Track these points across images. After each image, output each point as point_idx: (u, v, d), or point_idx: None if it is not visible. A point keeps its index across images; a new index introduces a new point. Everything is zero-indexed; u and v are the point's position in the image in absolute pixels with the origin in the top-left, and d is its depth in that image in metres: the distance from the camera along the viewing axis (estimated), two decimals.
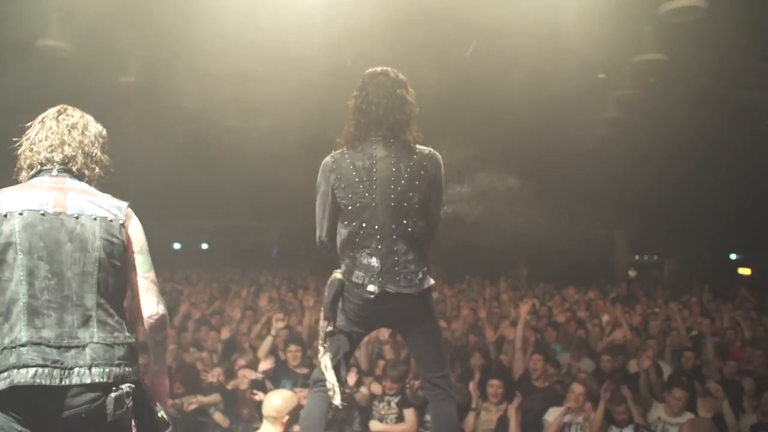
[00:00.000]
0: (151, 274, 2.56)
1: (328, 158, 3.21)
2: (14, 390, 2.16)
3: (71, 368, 2.24)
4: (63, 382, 2.22)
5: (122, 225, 2.48)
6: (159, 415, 2.48)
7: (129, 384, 2.35)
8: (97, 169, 2.62)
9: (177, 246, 23.15)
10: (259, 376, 5.67)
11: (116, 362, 2.33)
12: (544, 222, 17.77)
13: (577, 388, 5.43)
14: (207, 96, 13.32)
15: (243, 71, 12.50)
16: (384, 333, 6.53)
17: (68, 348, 2.26)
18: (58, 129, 2.57)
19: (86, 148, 2.58)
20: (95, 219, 2.42)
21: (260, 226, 22.30)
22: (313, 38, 11.50)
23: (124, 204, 2.55)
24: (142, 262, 2.55)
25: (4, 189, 2.42)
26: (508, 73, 10.60)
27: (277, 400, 3.78)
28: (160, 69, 11.96)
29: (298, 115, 15.03)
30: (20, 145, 2.57)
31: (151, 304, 2.54)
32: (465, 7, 9.42)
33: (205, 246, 23.82)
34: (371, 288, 3.03)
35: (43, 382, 2.19)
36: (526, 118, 11.70)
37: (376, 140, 3.15)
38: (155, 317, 2.56)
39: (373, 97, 3.16)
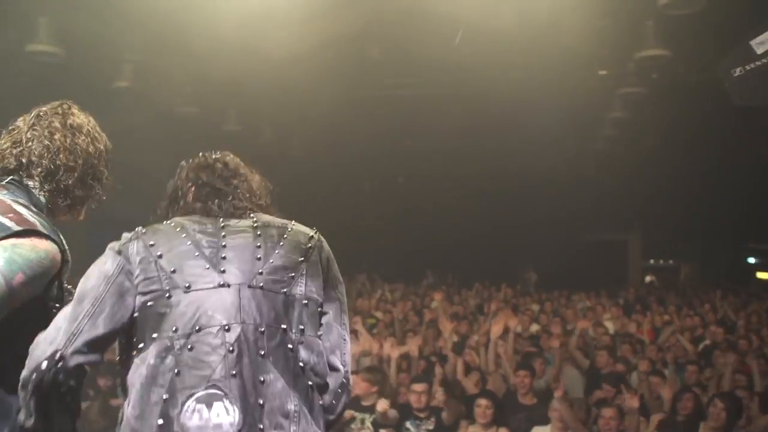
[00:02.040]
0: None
1: None
2: None
3: None
4: None
5: None
6: None
7: None
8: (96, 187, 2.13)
9: None
10: None
11: None
12: (552, 226, 17.41)
13: (556, 405, 5.03)
14: (204, 101, 13.13)
15: (240, 76, 12.34)
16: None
17: None
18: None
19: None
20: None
21: None
22: (310, 39, 11.33)
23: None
24: None
25: None
26: (507, 72, 10.27)
27: None
28: (155, 74, 11.78)
29: (300, 119, 14.88)
30: None
31: None
32: (459, 4, 9.13)
33: None
34: None
35: None
36: (527, 119, 11.34)
37: None
38: None
39: None
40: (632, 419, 5.13)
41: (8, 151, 1.98)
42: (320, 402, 1.85)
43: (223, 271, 1.84)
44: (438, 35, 10.30)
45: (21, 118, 2.05)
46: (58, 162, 1.97)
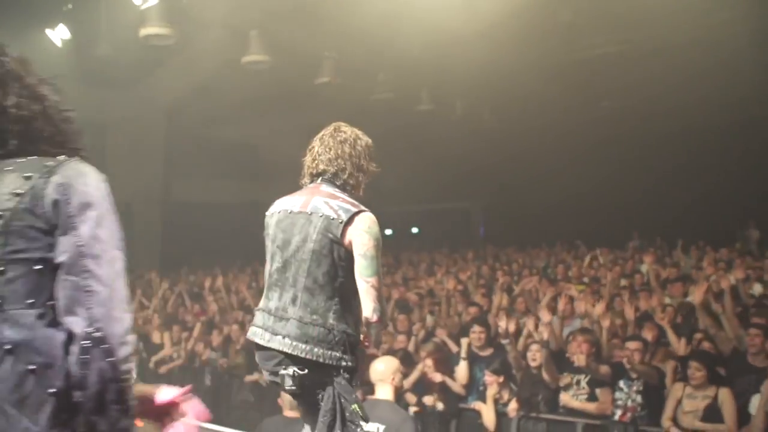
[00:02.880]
0: (372, 279, 2.72)
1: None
2: (251, 341, 2.90)
3: (276, 334, 2.74)
4: (268, 344, 2.77)
5: (342, 224, 2.72)
6: (353, 408, 2.68)
7: (297, 368, 2.68)
8: (360, 177, 2.96)
9: (388, 232, 24.20)
10: None
11: (306, 339, 2.68)
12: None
13: None
14: (397, 85, 13.74)
15: (429, 56, 12.75)
16: None
17: (280, 319, 2.76)
18: (332, 144, 2.96)
19: (354, 160, 2.93)
20: (321, 216, 2.76)
21: (465, 207, 22.55)
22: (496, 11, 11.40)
23: (354, 209, 2.77)
24: (363, 266, 2.72)
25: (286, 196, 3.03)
26: (711, 16, 9.57)
27: (380, 366, 4.28)
28: (351, 67, 12.58)
29: (491, 91, 15.00)
30: (304, 157, 3.05)
31: (366, 308, 2.73)
32: None
33: (415, 230, 24.60)
34: None
35: (256, 339, 2.84)
36: (746, 68, 10.45)
37: None
38: (368, 321, 2.77)
39: None
40: None
41: (311, 162, 3.00)
42: (48, 388, 1.44)
43: None
44: None
45: (317, 140, 3.01)
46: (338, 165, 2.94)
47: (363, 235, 2.72)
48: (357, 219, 2.74)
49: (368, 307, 2.72)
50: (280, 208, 2.91)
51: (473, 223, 23.24)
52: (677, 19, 9.79)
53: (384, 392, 4.18)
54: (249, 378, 7.16)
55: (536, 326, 6.06)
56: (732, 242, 13.29)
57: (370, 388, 4.29)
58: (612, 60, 11.51)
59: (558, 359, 5.77)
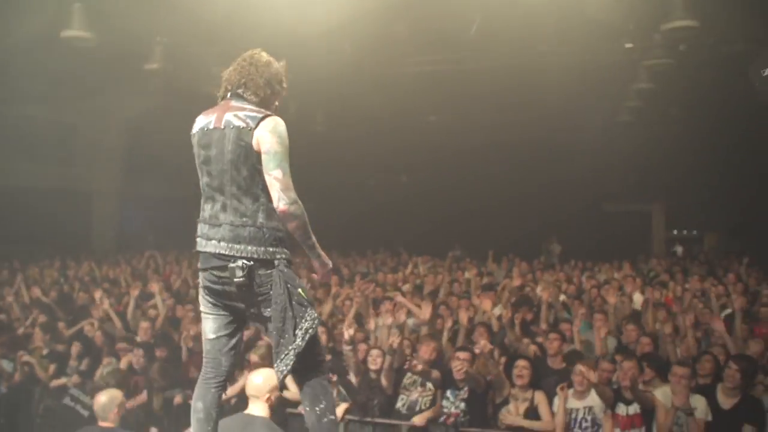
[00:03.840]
0: (275, 172, 2.89)
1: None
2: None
3: (210, 239, 2.99)
4: (204, 249, 3.02)
5: (250, 130, 2.92)
6: (298, 291, 2.91)
7: (245, 260, 2.90)
8: (269, 92, 3.13)
9: None
10: None
11: (239, 240, 2.92)
12: (578, 196, 17.54)
13: (580, 368, 5.22)
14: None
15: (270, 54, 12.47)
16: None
17: (213, 225, 3.00)
18: (244, 64, 3.15)
19: (264, 78, 3.11)
20: (232, 128, 2.96)
21: None
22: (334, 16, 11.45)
23: (260, 114, 2.97)
24: (266, 161, 2.90)
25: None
26: (534, 46, 10.37)
27: (258, 379, 3.97)
28: (184, 56, 11.99)
29: (325, 97, 15.03)
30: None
31: (274, 199, 2.91)
32: None
33: None
34: None
35: (197, 248, 3.07)
36: (553, 90, 11.43)
37: None
38: (278, 210, 2.92)
39: None
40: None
41: (224, 80, 3.19)
42: None
43: None
44: (461, 12, 10.40)
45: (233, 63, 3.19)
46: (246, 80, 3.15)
47: (266, 135, 2.90)
48: (263, 123, 2.93)
49: (275, 198, 2.90)
50: (198, 127, 3.10)
51: None
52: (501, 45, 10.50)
53: (258, 409, 3.87)
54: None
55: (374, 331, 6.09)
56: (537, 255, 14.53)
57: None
58: (440, 76, 12.05)
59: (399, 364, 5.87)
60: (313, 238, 3.03)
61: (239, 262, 2.89)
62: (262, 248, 2.91)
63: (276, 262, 2.93)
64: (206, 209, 3.08)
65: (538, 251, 15.70)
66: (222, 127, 2.99)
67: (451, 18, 10.12)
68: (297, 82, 10.94)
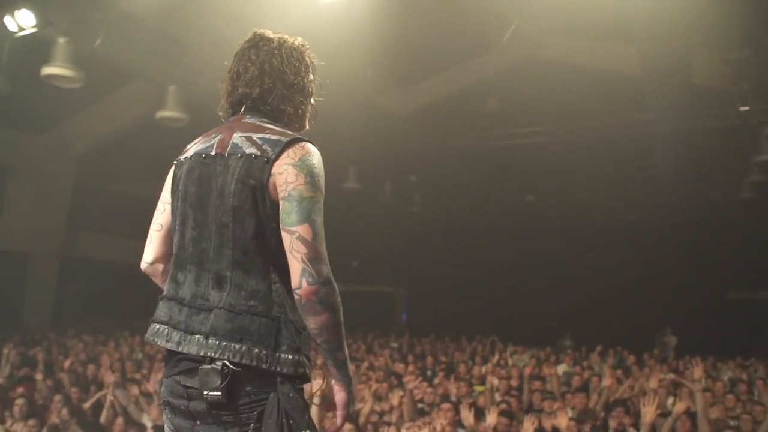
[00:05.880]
0: (300, 228, 1.82)
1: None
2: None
3: (192, 333, 1.87)
4: (179, 347, 1.89)
5: (267, 162, 1.86)
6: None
7: (227, 362, 1.79)
8: (298, 98, 2.07)
9: None
10: None
11: (243, 336, 1.82)
12: (696, 281, 15.95)
13: None
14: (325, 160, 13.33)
15: (360, 133, 12.49)
16: None
17: (199, 310, 1.89)
18: (255, 58, 2.05)
19: (287, 76, 2.04)
20: (241, 157, 1.90)
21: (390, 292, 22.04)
22: (424, 96, 11.28)
23: (285, 138, 1.90)
24: (286, 212, 1.83)
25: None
26: (634, 115, 9.62)
27: None
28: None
29: (420, 176, 14.79)
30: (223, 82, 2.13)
31: (294, 273, 1.82)
32: (574, 50, 8.68)
33: None
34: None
35: (158, 341, 1.95)
36: (659, 165, 10.51)
37: None
38: (298, 292, 1.82)
39: None
40: None
41: (228, 87, 2.13)
42: None
43: None
44: (557, 82, 9.89)
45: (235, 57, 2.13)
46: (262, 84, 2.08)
47: (289, 171, 1.85)
48: (286, 152, 1.88)
49: (295, 272, 1.81)
50: (193, 152, 2.03)
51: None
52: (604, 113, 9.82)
53: None
54: None
55: None
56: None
57: None
58: (535, 150, 11.45)
59: None
60: (346, 350, 1.94)
61: (217, 364, 1.81)
62: (276, 353, 1.82)
63: (279, 378, 1.84)
64: (180, 280, 1.98)
65: (651, 343, 14.23)
66: (227, 155, 1.93)
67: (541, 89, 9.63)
68: (391, 163, 10.85)
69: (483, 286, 18.14)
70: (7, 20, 6.67)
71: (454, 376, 8.27)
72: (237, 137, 1.94)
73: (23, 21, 6.47)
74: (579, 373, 8.57)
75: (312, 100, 2.15)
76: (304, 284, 1.80)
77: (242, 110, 2.04)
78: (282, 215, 1.85)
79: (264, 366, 1.80)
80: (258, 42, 2.06)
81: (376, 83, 11.09)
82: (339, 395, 1.96)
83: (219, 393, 1.79)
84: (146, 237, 2.17)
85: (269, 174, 1.86)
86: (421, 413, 5.96)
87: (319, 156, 1.92)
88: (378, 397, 6.69)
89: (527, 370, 7.81)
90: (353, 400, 2.00)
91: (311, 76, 2.12)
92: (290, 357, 1.83)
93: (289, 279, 1.84)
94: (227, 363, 1.79)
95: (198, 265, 1.93)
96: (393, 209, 16.69)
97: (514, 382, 7.76)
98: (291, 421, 1.79)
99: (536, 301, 17.43)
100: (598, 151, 10.97)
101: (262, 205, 1.87)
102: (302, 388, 1.88)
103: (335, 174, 13.87)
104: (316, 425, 1.91)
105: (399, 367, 9.33)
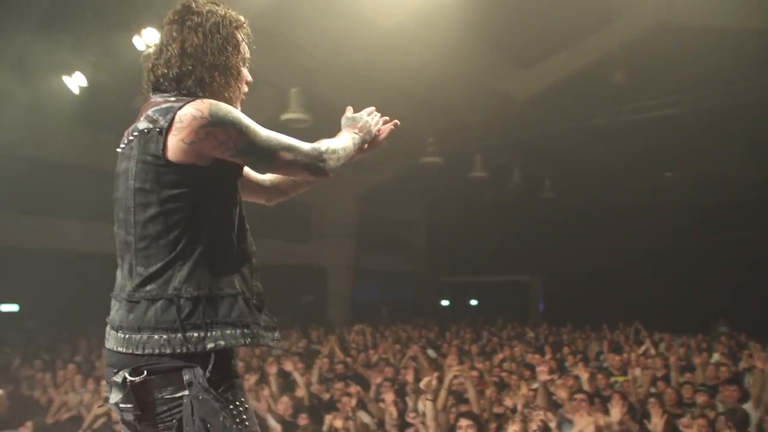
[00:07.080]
0: (277, 165, 1.87)
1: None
2: None
3: (112, 328, 1.83)
4: (107, 344, 1.84)
5: (161, 132, 1.73)
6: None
7: (130, 372, 1.69)
8: (221, 79, 1.89)
9: (445, 303, 23.33)
10: None
11: (138, 326, 1.72)
12: None
13: None
14: (446, 148, 13.22)
15: (485, 120, 12.24)
16: None
17: (118, 304, 1.83)
18: (177, 34, 1.89)
19: (208, 57, 1.87)
20: (136, 135, 1.79)
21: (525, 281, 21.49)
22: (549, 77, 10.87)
23: (178, 103, 1.77)
24: (252, 165, 1.93)
25: None
26: None
27: None
28: (401, 129, 12.16)
29: (552, 160, 14.32)
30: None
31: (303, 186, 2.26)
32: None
33: (473, 302, 23.53)
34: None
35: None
36: None
37: None
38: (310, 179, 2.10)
39: None
40: None
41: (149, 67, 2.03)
42: None
43: None
44: (695, 49, 9.12)
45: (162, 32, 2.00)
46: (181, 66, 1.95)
47: (211, 132, 1.72)
48: (179, 114, 1.73)
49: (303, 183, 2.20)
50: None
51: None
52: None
53: None
54: None
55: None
56: None
57: None
58: (670, 122, 10.65)
59: None
60: (354, 148, 2.08)
61: (119, 376, 1.70)
62: (175, 337, 1.69)
63: (187, 376, 1.69)
64: (116, 275, 1.87)
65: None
66: (130, 139, 1.82)
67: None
68: (517, 149, 10.49)
69: (623, 273, 17.20)
70: (136, 40, 7.15)
71: (590, 366, 7.82)
72: (140, 121, 1.82)
73: (149, 39, 6.93)
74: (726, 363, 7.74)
75: (243, 84, 1.98)
76: (315, 173, 1.93)
77: (158, 91, 1.88)
78: (251, 171, 2.00)
79: (168, 351, 1.68)
80: (183, 16, 1.88)
81: (495, 68, 10.80)
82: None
83: (131, 405, 1.71)
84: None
85: (165, 143, 1.71)
86: (556, 405, 5.70)
87: (218, 102, 1.78)
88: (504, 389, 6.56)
89: (673, 359, 7.28)
90: (367, 141, 2.18)
91: (242, 55, 1.95)
92: (195, 335, 1.69)
93: (211, 246, 1.76)
94: (127, 375, 1.69)
95: (120, 257, 1.85)
96: (523, 196, 16.24)
97: (658, 373, 7.24)
98: (208, 425, 1.68)
99: (681, 286, 16.27)
100: (746, 120, 10.04)
101: (163, 178, 1.73)
102: (223, 373, 1.73)
103: (461, 164, 13.75)
104: None
105: (534, 358, 8.99)
